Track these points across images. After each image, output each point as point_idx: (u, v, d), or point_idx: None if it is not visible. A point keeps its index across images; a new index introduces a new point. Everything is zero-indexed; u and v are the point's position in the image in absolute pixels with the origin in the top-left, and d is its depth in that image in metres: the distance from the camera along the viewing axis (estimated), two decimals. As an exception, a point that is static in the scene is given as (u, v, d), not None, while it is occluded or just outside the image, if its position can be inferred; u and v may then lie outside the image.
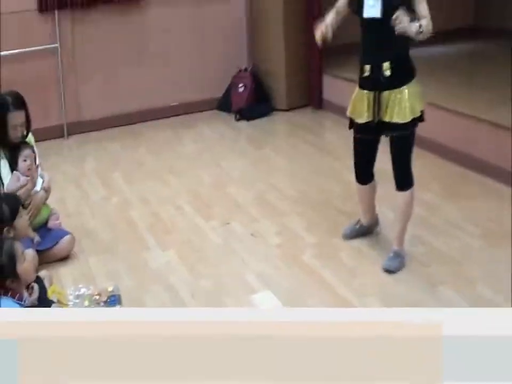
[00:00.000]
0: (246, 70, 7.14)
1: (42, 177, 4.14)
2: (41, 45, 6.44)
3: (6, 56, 6.27)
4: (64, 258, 4.10)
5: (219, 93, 7.19)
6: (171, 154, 5.93)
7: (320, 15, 6.58)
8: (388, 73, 3.55)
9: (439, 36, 8.10)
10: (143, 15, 6.86)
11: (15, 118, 3.95)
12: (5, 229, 3.27)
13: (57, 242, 4.08)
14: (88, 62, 6.67)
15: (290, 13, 6.78)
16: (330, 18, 3.72)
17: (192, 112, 7.05)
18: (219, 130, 6.58)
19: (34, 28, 6.42)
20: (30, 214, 3.90)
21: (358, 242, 4.11)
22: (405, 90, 3.57)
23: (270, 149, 5.91)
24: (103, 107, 6.79)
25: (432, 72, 6.57)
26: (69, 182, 5.39)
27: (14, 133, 3.97)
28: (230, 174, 5.35)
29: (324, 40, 3.69)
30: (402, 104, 3.56)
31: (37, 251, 3.90)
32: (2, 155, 4.00)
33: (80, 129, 6.68)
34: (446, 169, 5.15)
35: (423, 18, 3.45)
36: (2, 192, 3.88)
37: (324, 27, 3.65)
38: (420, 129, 3.75)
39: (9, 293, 2.95)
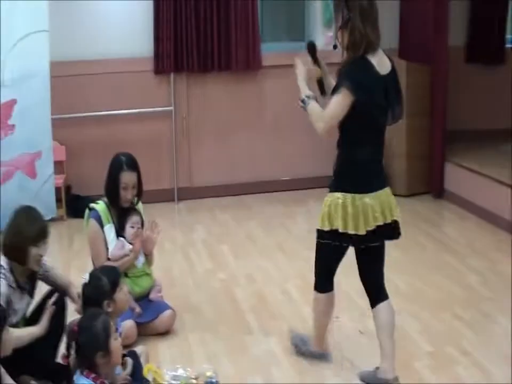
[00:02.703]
0: (363, 150, 6.94)
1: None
2: (156, 107, 6.52)
3: (121, 115, 6.41)
4: (164, 333, 3.95)
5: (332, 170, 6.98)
6: (282, 232, 5.75)
7: (445, 98, 6.50)
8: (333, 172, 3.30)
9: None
10: (259, 85, 6.84)
11: (127, 178, 3.89)
12: (105, 303, 3.13)
13: (157, 316, 3.94)
14: (202, 127, 6.68)
15: (415, 93, 6.54)
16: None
17: (303, 189, 6.87)
18: (332, 210, 6.35)
19: (150, 89, 6.52)
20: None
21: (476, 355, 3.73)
22: (329, 198, 3.26)
23: (385, 237, 5.61)
24: (215, 175, 6.76)
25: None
26: (176, 250, 5.31)
27: (125, 195, 3.89)
28: (343, 261, 5.07)
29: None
30: (322, 209, 3.29)
31: (137, 323, 3.80)
32: (110, 219, 3.93)
33: (190, 195, 6.65)
34: None
35: (324, 110, 3.17)
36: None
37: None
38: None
39: (92, 375, 2.78)
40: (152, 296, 4.00)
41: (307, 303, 4.26)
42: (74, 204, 6.13)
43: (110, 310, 3.11)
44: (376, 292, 3.46)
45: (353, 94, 3.08)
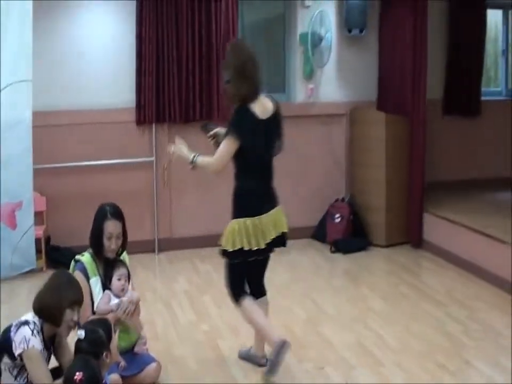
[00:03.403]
0: (343, 200, 7.02)
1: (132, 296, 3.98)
2: (138, 157, 6.56)
3: (103, 165, 6.43)
4: (149, 386, 3.91)
5: (314, 221, 7.05)
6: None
7: (423, 149, 6.60)
8: None
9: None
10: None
11: (112, 227, 3.88)
12: (104, 354, 3.11)
13: (142, 369, 3.89)
14: (183, 178, 6.67)
15: (393, 144, 6.67)
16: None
17: (285, 239, 6.90)
18: (313, 260, 6.39)
19: (132, 139, 6.57)
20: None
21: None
22: (234, 224, 3.91)
23: (367, 287, 5.64)
24: (195, 225, 6.77)
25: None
26: (158, 301, 5.28)
27: (109, 245, 3.87)
28: (325, 311, 5.10)
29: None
30: (226, 233, 3.95)
31: (122, 377, 3.75)
32: (96, 271, 3.91)
33: (171, 245, 6.65)
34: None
35: (214, 155, 3.93)
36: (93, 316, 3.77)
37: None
38: None
39: None
40: (137, 349, 3.95)
41: (294, 356, 4.26)
42: (54, 255, 6.09)
43: (108, 360, 3.09)
44: (259, 289, 4.16)
45: (236, 139, 3.83)
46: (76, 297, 3.36)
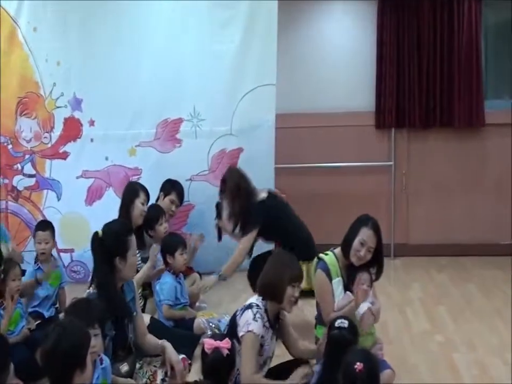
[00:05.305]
0: None
1: (373, 303, 3.96)
2: (376, 161, 6.56)
3: (341, 167, 6.50)
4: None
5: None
6: (501, 298, 5.47)
7: None
8: None
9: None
10: (481, 143, 6.65)
11: (367, 235, 3.81)
12: None
13: (377, 374, 3.87)
14: (421, 184, 6.63)
15: None
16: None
17: (525, 255, 6.51)
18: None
19: (371, 143, 6.58)
20: None
21: None
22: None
23: None
24: (432, 233, 6.64)
25: None
26: (392, 306, 5.23)
27: (358, 250, 3.81)
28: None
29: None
30: None
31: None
32: (339, 272, 3.94)
33: (407, 251, 6.57)
34: None
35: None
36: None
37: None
38: None
39: None
40: (374, 353, 3.94)
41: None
42: (290, 250, 6.29)
43: None
44: None
45: (257, 222, 4.69)
46: (296, 273, 3.46)
